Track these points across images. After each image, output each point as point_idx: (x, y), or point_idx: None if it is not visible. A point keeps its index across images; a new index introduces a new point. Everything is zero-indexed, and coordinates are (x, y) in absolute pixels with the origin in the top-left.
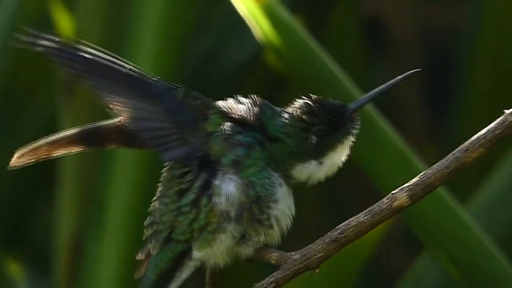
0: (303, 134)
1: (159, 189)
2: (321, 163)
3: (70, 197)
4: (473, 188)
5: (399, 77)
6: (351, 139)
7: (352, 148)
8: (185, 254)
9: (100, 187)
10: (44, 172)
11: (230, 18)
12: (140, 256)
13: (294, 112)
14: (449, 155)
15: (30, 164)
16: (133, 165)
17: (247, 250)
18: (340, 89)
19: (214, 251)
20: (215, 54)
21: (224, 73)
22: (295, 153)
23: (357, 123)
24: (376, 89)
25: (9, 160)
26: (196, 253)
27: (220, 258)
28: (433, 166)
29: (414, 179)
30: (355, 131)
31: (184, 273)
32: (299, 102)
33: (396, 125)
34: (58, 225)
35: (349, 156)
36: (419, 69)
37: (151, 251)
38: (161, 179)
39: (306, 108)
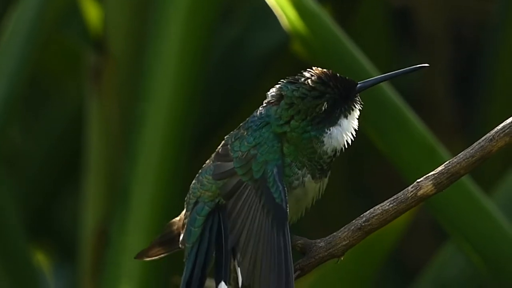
0: (315, 102)
1: (203, 166)
2: (339, 125)
3: (96, 187)
4: (498, 178)
5: (409, 68)
6: (357, 114)
7: (379, 137)
8: (213, 215)
9: (125, 177)
10: (70, 162)
11: (257, 7)
12: (179, 218)
13: (306, 82)
14: (475, 144)
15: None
16: (158, 155)
17: None
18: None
19: None
20: (242, 43)
21: (250, 62)
22: (309, 125)
23: (360, 101)
24: (386, 74)
25: (36, 147)
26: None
27: None
28: (459, 155)
29: (439, 168)
30: (359, 107)
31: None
32: (309, 74)
33: (423, 115)
34: (83, 215)
35: (375, 145)
36: (427, 65)
37: (185, 221)
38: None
39: (317, 78)
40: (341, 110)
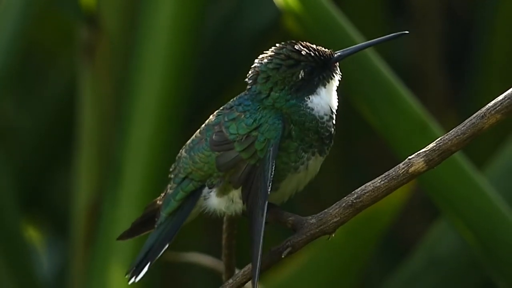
0: (291, 70)
1: (192, 138)
2: (318, 94)
3: (88, 162)
4: (490, 154)
5: (389, 35)
6: (335, 83)
7: (371, 113)
8: (196, 194)
9: (117, 152)
10: (63, 137)
11: None
12: (159, 198)
13: (280, 52)
14: (466, 121)
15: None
16: (150, 130)
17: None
18: (359, 56)
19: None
20: (234, 19)
21: (243, 39)
22: (288, 94)
23: (338, 72)
24: (365, 42)
25: (30, 122)
26: (208, 192)
27: (224, 204)
28: (450, 131)
29: (431, 145)
30: (338, 77)
31: (192, 213)
32: (282, 45)
33: (416, 92)
34: (76, 190)
35: (367, 120)
36: (407, 32)
37: (168, 191)
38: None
39: (291, 48)
40: (319, 78)
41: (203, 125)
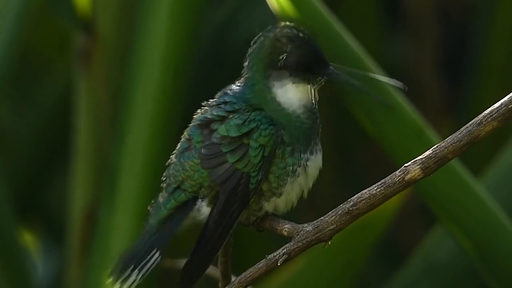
0: (274, 56)
1: (181, 141)
2: (280, 87)
3: (84, 169)
4: (487, 162)
5: (391, 81)
6: (309, 88)
7: (367, 119)
8: (188, 204)
9: (114, 158)
10: (59, 143)
11: None
12: (151, 205)
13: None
14: (462, 128)
15: None
16: (146, 137)
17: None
18: (356, 63)
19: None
20: (230, 26)
21: (239, 45)
22: (261, 76)
23: (322, 82)
24: (362, 84)
25: (25, 128)
26: (200, 203)
27: None
28: (446, 139)
29: (427, 152)
30: (317, 85)
31: (183, 223)
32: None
33: (412, 98)
34: (72, 196)
35: (364, 127)
36: (403, 88)
37: (160, 200)
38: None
39: (292, 35)
40: (293, 74)
41: (190, 125)
